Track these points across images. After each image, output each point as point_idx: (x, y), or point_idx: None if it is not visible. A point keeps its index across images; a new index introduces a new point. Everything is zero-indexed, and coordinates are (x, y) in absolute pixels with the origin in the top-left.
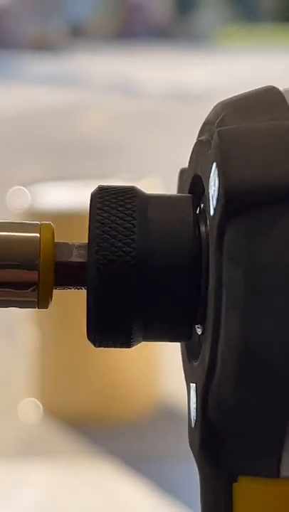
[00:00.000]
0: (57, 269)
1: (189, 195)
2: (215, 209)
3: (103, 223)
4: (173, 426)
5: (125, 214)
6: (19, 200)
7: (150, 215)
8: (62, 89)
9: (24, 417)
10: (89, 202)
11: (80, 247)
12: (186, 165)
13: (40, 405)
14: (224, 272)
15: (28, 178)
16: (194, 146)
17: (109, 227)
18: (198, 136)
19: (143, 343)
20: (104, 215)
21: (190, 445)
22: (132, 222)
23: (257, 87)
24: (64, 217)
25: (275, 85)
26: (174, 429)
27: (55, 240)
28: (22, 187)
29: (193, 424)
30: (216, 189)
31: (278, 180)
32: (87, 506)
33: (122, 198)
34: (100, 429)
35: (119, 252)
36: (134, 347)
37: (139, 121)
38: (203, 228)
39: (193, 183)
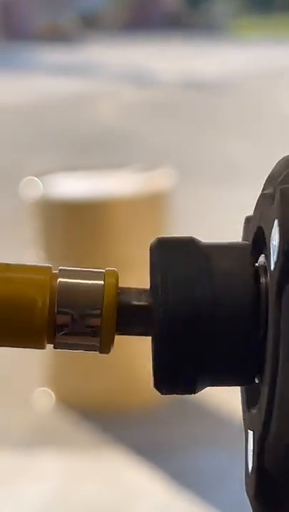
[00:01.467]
0: (120, 313)
1: (248, 243)
2: (275, 264)
3: (166, 272)
4: (186, 416)
5: (188, 263)
6: (32, 190)
7: (212, 264)
8: (75, 79)
9: (37, 406)
10: (149, 253)
11: (143, 291)
12: (199, 156)
13: (53, 394)
14: (282, 327)
15: (40, 168)
16: (259, 197)
17: (172, 276)
18: (263, 189)
19: None
20: (166, 264)
21: (246, 492)
22: (194, 271)
23: None
24: (76, 206)
25: None
26: (188, 419)
27: (119, 285)
28: (35, 177)
29: (250, 471)
30: (277, 245)
31: None
32: (98, 495)
33: (181, 248)
34: (112, 419)
35: (184, 298)
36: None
37: (152, 110)
38: (263, 279)
39: (257, 234)
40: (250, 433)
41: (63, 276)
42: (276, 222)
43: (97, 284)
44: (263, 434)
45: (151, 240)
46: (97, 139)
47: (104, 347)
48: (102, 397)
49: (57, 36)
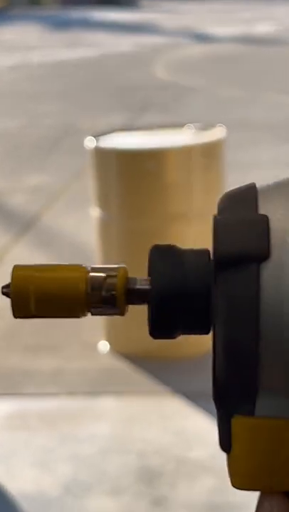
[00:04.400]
0: (128, 292)
1: (207, 249)
2: (214, 264)
3: (156, 269)
4: None
5: (170, 263)
6: (92, 145)
7: (185, 263)
8: (131, 37)
9: (98, 355)
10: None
11: (144, 279)
12: (253, 110)
13: (112, 345)
14: (216, 299)
15: (98, 126)
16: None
17: (160, 271)
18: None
19: None
20: (160, 264)
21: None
22: (172, 268)
23: (244, 184)
24: (130, 156)
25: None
26: None
27: (128, 276)
28: (94, 134)
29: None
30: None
31: (235, 254)
32: (152, 437)
33: (171, 253)
34: (165, 366)
35: (166, 284)
36: None
37: (206, 66)
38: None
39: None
40: None
41: (92, 271)
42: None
43: (113, 275)
44: (213, 360)
45: (207, 190)
46: (155, 95)
47: (122, 313)
48: (155, 347)
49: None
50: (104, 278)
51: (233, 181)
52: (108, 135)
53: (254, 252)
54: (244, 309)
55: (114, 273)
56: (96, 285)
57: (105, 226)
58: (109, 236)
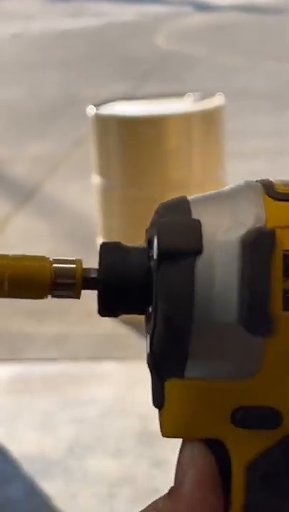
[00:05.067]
0: (83, 280)
1: (145, 246)
2: (157, 256)
3: (106, 263)
4: None
5: (118, 257)
6: (93, 112)
7: (130, 256)
8: (134, 6)
9: (102, 323)
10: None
11: (95, 270)
12: (254, 79)
13: None
14: (157, 284)
15: (100, 95)
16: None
17: (109, 263)
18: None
19: None
20: (107, 257)
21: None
22: (118, 260)
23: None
24: (131, 122)
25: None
26: None
27: (84, 267)
28: (95, 103)
29: (148, 350)
30: (156, 247)
31: (175, 248)
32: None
33: (116, 248)
34: None
35: (113, 272)
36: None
37: (208, 35)
38: (152, 263)
39: (148, 241)
40: (148, 335)
41: (54, 262)
42: (156, 237)
43: (72, 266)
44: (152, 334)
45: (206, 157)
46: (157, 64)
47: (78, 297)
48: None
49: None
50: (66, 268)
51: (233, 149)
52: (109, 103)
53: (190, 247)
54: (181, 292)
55: (72, 264)
56: (59, 274)
57: (106, 194)
58: (109, 203)
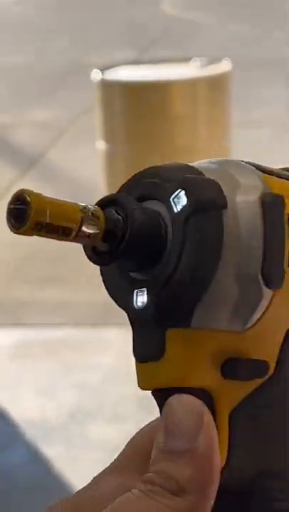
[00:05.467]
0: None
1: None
2: (183, 207)
3: (110, 217)
4: None
5: (124, 216)
6: (98, 78)
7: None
8: None
9: (100, 289)
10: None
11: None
12: (264, 48)
13: None
14: (186, 235)
15: (105, 61)
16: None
17: (115, 218)
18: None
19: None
20: (113, 213)
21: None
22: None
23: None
24: (135, 87)
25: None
26: None
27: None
28: (101, 68)
29: (143, 302)
30: (186, 199)
31: (205, 200)
32: None
33: (131, 201)
34: None
35: (121, 226)
36: None
37: (216, 2)
38: (165, 217)
39: (139, 197)
40: (143, 290)
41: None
42: (182, 191)
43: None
44: (165, 283)
45: (212, 123)
46: (163, 30)
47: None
48: None
49: None
50: (93, 214)
51: (240, 118)
52: (115, 68)
53: (219, 201)
54: (212, 241)
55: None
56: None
57: (111, 160)
58: (114, 170)
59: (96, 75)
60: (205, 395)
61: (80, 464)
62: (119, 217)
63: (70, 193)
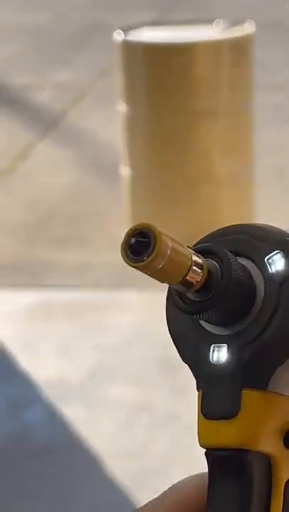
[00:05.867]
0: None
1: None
2: (279, 271)
3: (211, 269)
4: None
5: (236, 265)
6: (121, 39)
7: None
8: None
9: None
10: None
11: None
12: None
13: None
14: (281, 297)
15: (127, 22)
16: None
17: (216, 270)
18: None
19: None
20: (214, 264)
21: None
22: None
23: None
24: (158, 50)
25: None
26: None
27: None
28: (123, 29)
29: (220, 361)
30: (284, 263)
31: None
32: None
33: (227, 255)
34: None
35: (219, 281)
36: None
37: None
38: (257, 273)
39: (211, 251)
40: (223, 346)
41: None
42: (280, 253)
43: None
44: (256, 338)
45: (234, 86)
46: None
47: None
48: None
49: None
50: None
51: (262, 80)
52: (137, 29)
53: None
54: None
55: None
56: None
57: (131, 122)
58: (134, 132)
59: (118, 36)
60: (265, 461)
61: (99, 424)
62: (219, 269)
63: (90, 156)
